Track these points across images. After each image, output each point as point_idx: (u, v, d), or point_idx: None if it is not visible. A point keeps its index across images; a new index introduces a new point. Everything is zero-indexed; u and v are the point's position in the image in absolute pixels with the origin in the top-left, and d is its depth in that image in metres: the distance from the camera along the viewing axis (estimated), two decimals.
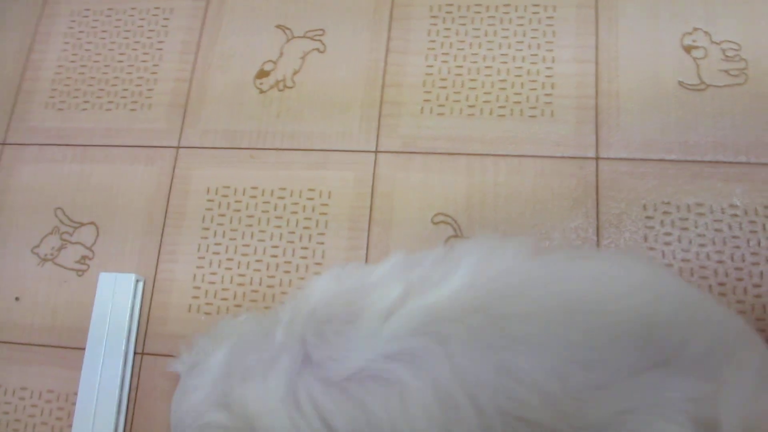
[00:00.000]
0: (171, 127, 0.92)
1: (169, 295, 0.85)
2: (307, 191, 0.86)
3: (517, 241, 0.65)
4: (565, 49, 0.87)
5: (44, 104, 0.97)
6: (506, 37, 0.89)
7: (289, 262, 0.84)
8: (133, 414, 0.81)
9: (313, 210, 0.85)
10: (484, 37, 0.90)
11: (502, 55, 0.88)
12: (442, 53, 0.90)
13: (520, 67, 0.87)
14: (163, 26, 0.98)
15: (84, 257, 0.88)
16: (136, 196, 0.90)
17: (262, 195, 0.87)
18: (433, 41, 0.90)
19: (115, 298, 0.83)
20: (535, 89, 0.86)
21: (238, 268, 0.85)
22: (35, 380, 0.85)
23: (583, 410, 0.53)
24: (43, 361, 0.85)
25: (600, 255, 0.75)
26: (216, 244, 0.86)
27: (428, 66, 0.89)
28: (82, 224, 0.90)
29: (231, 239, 0.86)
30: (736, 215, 0.78)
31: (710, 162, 0.80)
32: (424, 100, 0.88)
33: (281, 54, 0.93)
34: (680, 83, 0.84)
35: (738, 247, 0.77)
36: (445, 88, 0.88)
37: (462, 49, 0.89)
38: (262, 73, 0.93)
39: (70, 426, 0.80)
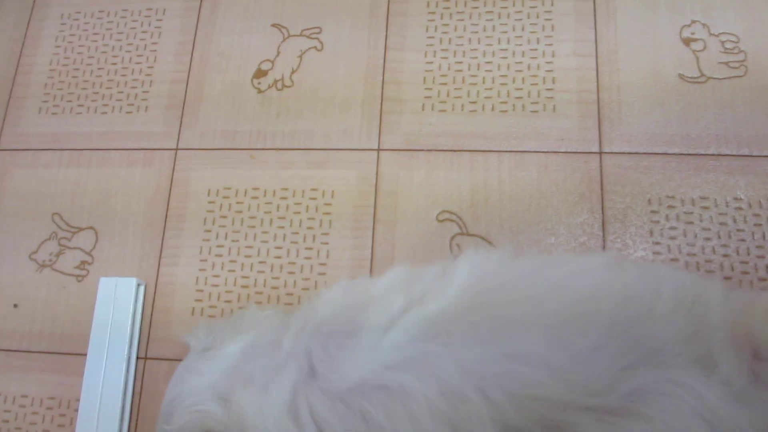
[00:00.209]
0: (168, 128, 0.91)
1: (172, 299, 0.84)
2: (309, 191, 0.86)
3: (501, 248, 0.77)
4: (564, 44, 0.87)
5: (37, 109, 0.95)
6: (505, 32, 0.89)
7: (294, 263, 0.83)
8: (137, 419, 0.81)
9: (316, 210, 0.85)
10: (482, 33, 0.89)
11: (501, 50, 0.88)
12: (441, 49, 0.89)
13: (521, 62, 0.87)
14: (156, 27, 0.97)
15: (83, 262, 0.87)
16: (135, 199, 0.89)
17: (264, 195, 0.86)
18: (432, 37, 0.90)
19: (116, 302, 0.82)
20: (536, 84, 0.86)
21: (242, 270, 0.84)
22: (36, 387, 0.84)
23: (590, 375, 0.56)
24: (44, 368, 0.84)
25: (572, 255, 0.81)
26: (218, 246, 0.85)
27: (428, 62, 0.89)
28: (80, 229, 0.89)
29: (233, 241, 0.85)
30: (740, 208, 0.78)
31: (713, 155, 0.80)
32: (425, 97, 0.87)
33: (278, 53, 0.92)
34: (680, 76, 0.84)
35: (743, 240, 0.77)
36: (445, 84, 0.87)
37: (461, 45, 0.89)
38: (260, 73, 0.92)
39: None
